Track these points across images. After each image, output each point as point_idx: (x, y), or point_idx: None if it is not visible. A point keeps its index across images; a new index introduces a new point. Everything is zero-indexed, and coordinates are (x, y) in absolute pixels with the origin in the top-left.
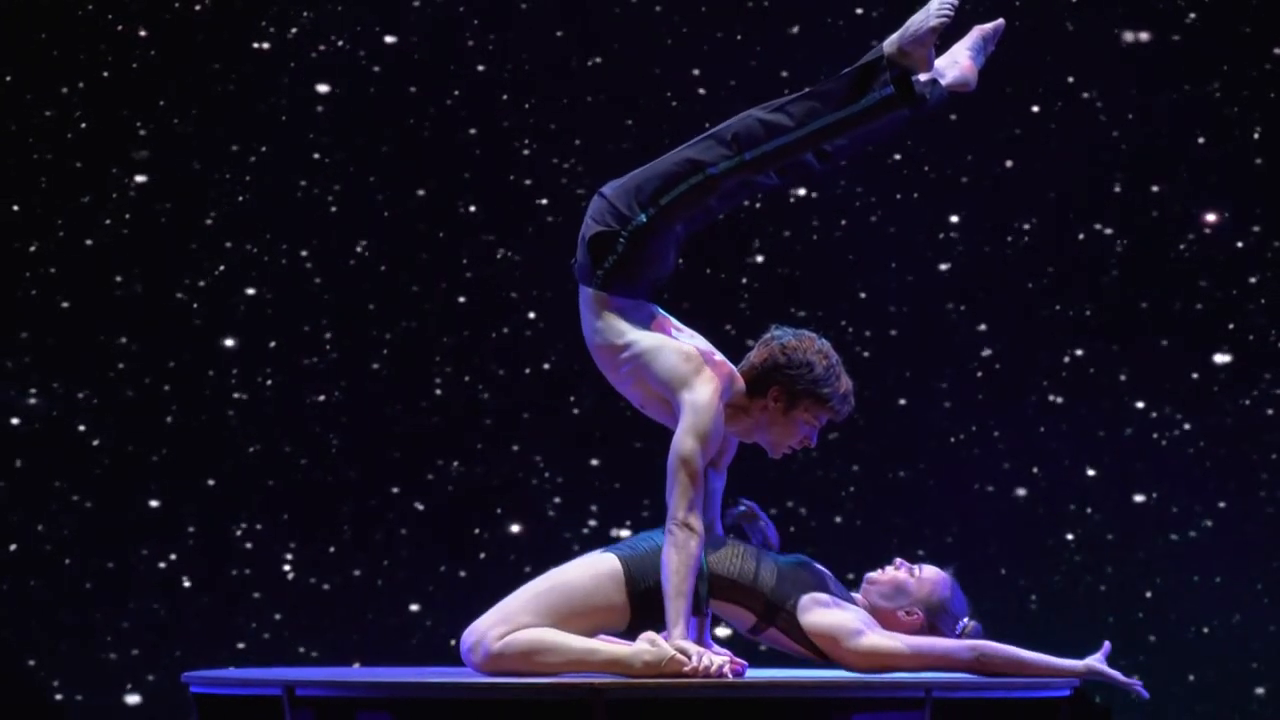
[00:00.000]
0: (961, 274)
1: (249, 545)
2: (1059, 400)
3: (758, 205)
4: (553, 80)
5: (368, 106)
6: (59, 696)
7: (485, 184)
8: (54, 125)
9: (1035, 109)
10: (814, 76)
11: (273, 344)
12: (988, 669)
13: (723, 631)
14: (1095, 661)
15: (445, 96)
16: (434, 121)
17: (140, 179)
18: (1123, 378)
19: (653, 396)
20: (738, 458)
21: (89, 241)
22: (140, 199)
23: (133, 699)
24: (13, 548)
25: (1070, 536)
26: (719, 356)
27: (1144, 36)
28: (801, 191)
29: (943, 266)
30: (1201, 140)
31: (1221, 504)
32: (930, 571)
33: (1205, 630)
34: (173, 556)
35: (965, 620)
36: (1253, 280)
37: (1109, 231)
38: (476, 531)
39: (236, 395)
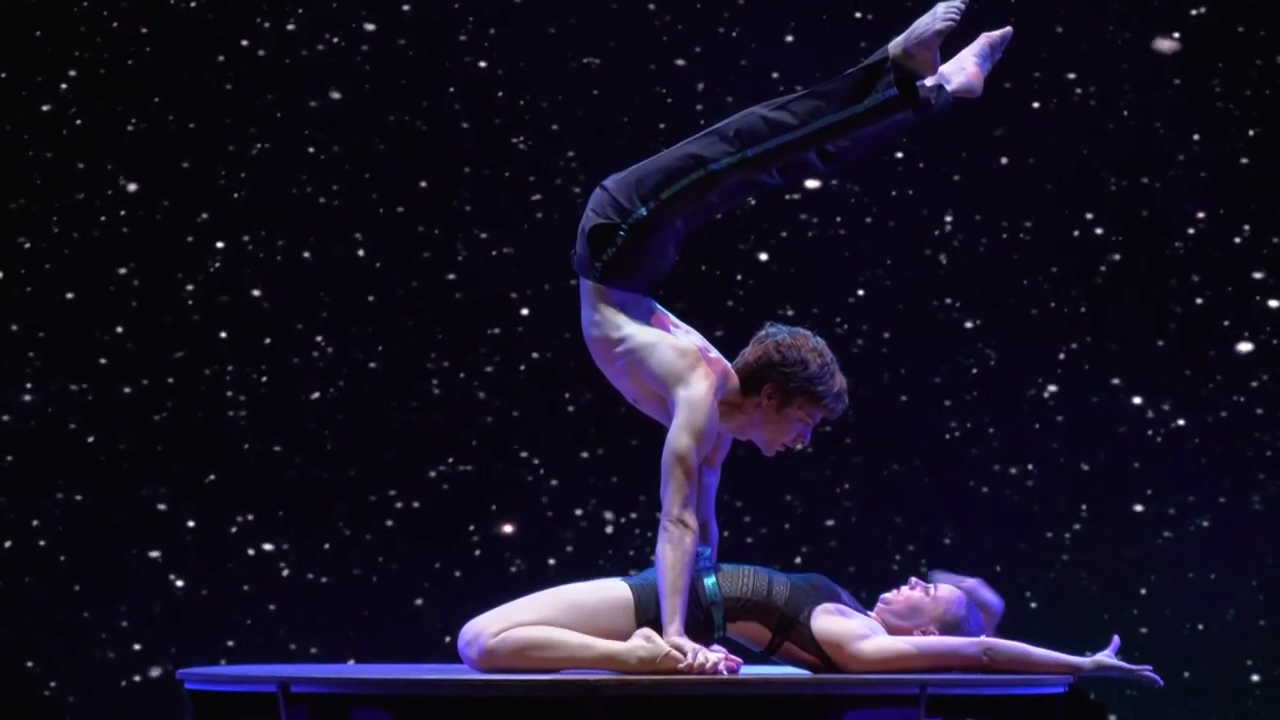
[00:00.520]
0: (957, 271)
1: (244, 542)
2: (1054, 397)
3: (752, 201)
4: (548, 77)
5: (363, 103)
6: (54, 694)
7: (481, 180)
8: (50, 121)
9: (1035, 105)
10: (809, 74)
11: (268, 340)
12: (997, 666)
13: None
14: (1105, 656)
15: (440, 93)
16: (429, 118)
17: (135, 175)
18: (1118, 375)
19: (647, 392)
20: (731, 454)
21: (84, 237)
22: (134, 196)
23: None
24: (8, 544)
25: (1065, 534)
26: (714, 353)
27: (1144, 35)
28: (796, 188)
29: (939, 261)
30: (1196, 137)
31: (1217, 501)
32: (945, 590)
33: (1200, 627)
34: (168, 553)
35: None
36: (1251, 277)
37: (1101, 231)
38: (472, 529)
39: (231, 392)
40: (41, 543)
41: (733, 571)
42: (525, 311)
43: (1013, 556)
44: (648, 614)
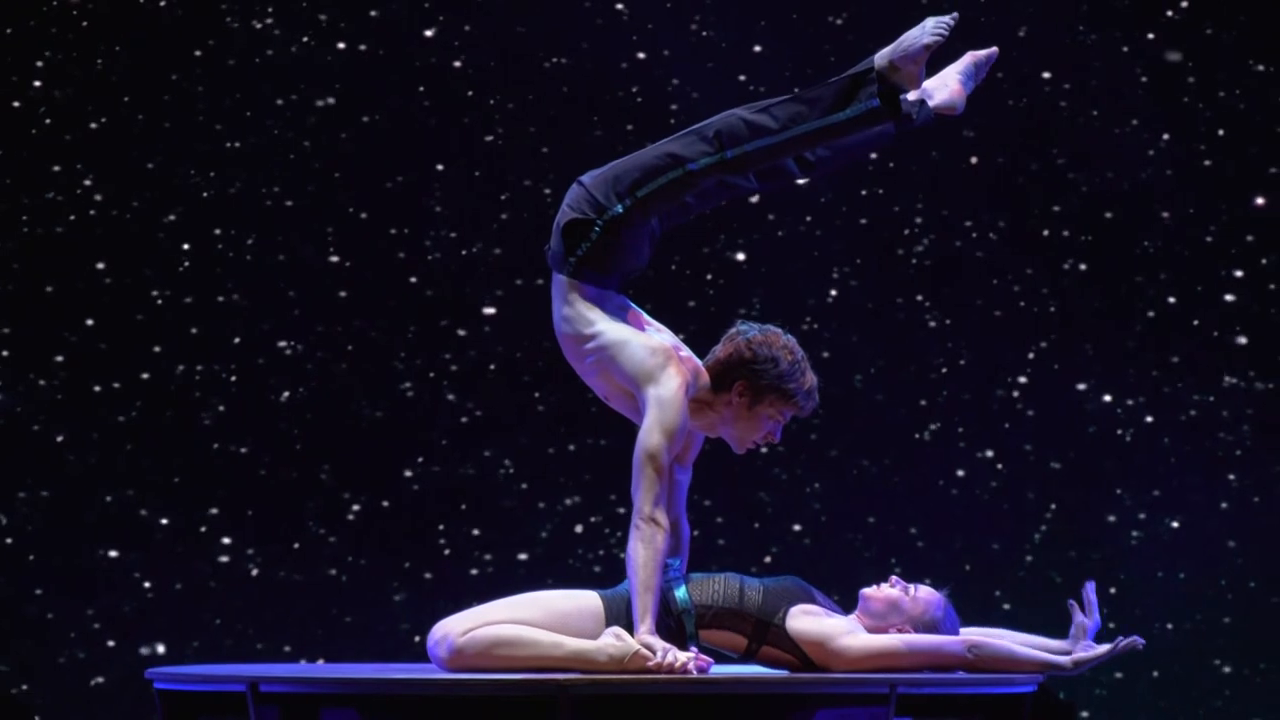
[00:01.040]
0: (926, 270)
1: (214, 541)
2: (1023, 396)
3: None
4: (518, 76)
5: (333, 102)
6: (23, 693)
7: (451, 179)
8: (19, 119)
9: (1009, 104)
10: (779, 74)
11: (237, 340)
12: (982, 664)
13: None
14: (1081, 653)
15: (410, 92)
16: (399, 117)
17: (104, 174)
18: (1087, 374)
19: (617, 389)
20: (702, 453)
21: (52, 236)
22: (104, 195)
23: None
24: None
25: (1035, 533)
26: (685, 351)
27: (1113, 35)
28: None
29: (909, 261)
30: (1166, 137)
31: (1186, 500)
32: (925, 592)
33: (1169, 626)
34: (137, 553)
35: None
36: (1219, 276)
37: (1069, 231)
38: (441, 529)
39: (201, 392)
40: (9, 541)
41: (703, 580)
42: (492, 311)
43: (982, 555)
44: (619, 623)
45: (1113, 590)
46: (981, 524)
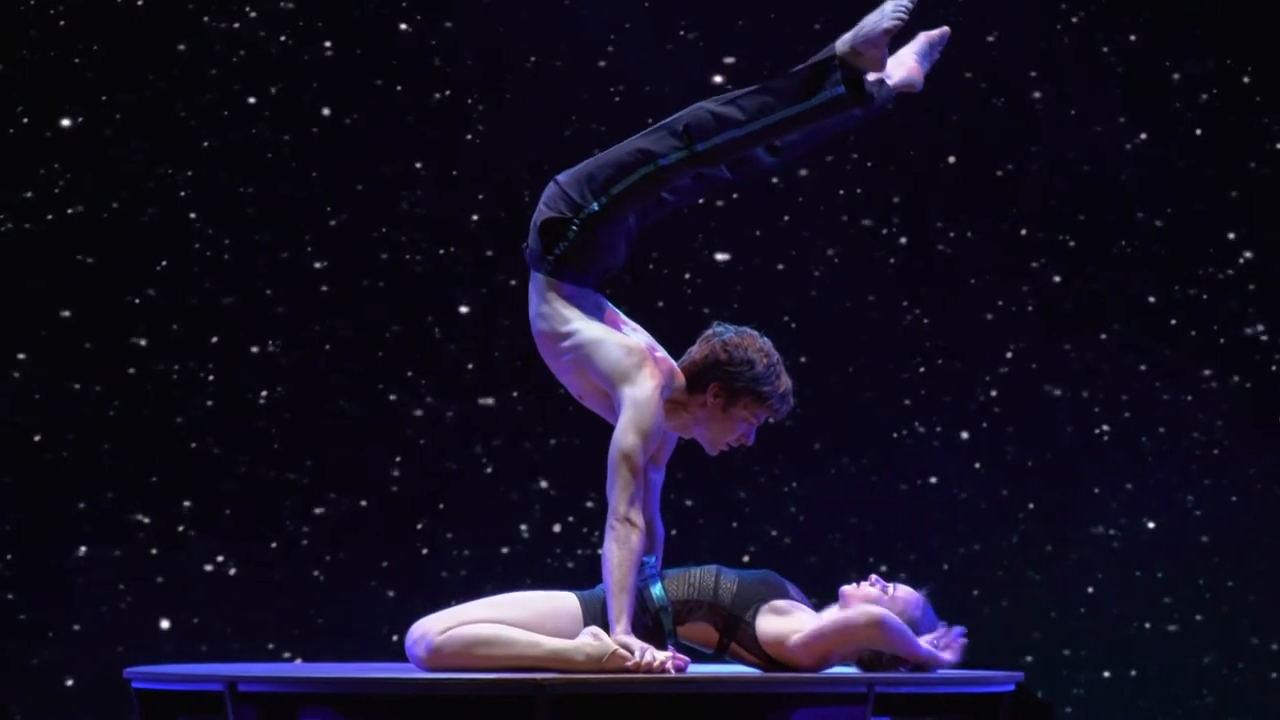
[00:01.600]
0: (905, 270)
1: (191, 541)
2: (1001, 396)
3: (700, 200)
4: (495, 75)
5: (310, 101)
6: (1, 693)
7: (427, 179)
8: None
9: (983, 105)
10: (757, 72)
11: (215, 339)
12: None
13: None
14: (939, 652)
15: (388, 91)
16: (376, 116)
17: (81, 173)
18: (1065, 375)
19: (592, 388)
20: (679, 452)
21: (29, 235)
22: (81, 194)
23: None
24: None
25: (1012, 533)
26: (661, 352)
27: (1092, 36)
28: (747, 184)
29: (887, 261)
30: (1144, 137)
31: (1163, 500)
32: (904, 591)
33: (1147, 625)
34: (115, 552)
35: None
36: (1197, 276)
37: (1046, 233)
38: (419, 528)
39: (178, 392)
40: None
41: (679, 575)
42: (469, 310)
43: (960, 555)
44: (597, 624)
45: (1090, 590)
46: (959, 524)
